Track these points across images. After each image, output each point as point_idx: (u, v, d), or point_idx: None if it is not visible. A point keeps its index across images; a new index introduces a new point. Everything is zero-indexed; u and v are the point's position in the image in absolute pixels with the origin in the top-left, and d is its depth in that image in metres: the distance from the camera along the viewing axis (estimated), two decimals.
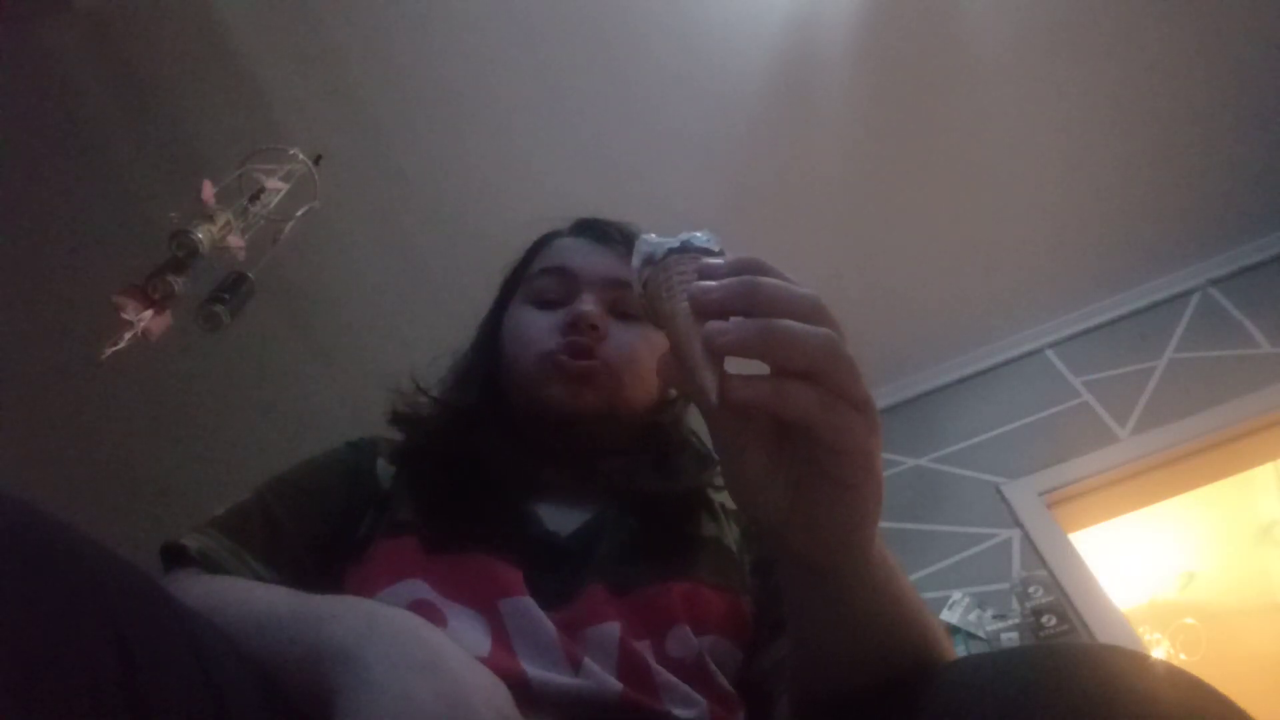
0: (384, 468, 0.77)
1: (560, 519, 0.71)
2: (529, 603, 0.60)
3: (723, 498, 0.80)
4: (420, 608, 0.59)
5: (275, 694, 0.46)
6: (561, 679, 0.56)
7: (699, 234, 0.43)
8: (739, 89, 2.08)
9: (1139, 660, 0.39)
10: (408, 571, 0.63)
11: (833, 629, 0.48)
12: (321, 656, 0.45)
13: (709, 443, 0.85)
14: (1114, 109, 2.27)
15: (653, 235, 0.44)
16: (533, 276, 0.85)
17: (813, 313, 0.38)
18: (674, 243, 0.42)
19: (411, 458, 0.77)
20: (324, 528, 0.70)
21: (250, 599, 0.53)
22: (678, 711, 0.58)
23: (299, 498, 0.72)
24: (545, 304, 0.82)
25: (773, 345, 0.37)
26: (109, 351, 1.29)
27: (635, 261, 0.43)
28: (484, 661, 0.54)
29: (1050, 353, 2.69)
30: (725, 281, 0.39)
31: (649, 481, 0.75)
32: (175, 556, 0.63)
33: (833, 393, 0.37)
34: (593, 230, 0.88)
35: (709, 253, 0.44)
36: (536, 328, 0.79)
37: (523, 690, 0.54)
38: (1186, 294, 2.63)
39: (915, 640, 0.49)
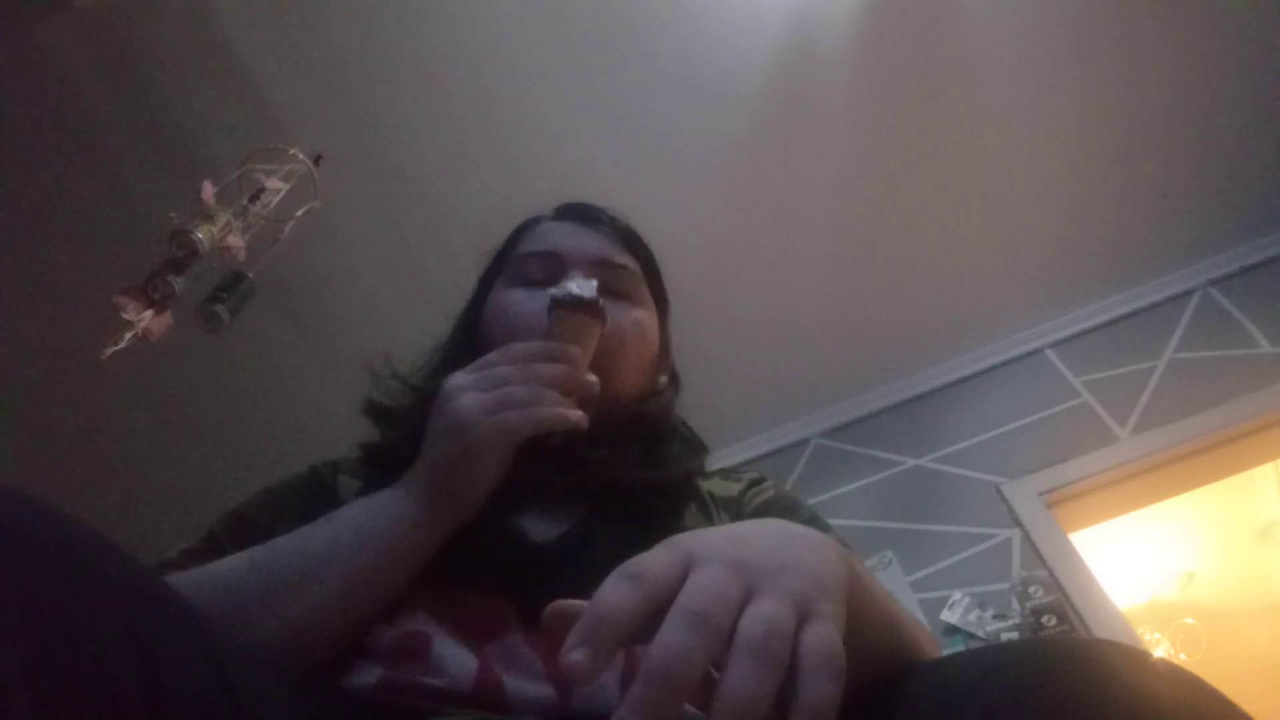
0: (346, 484, 0.74)
1: (544, 526, 0.67)
2: (517, 641, 0.57)
3: (711, 485, 0.78)
4: (412, 637, 0.58)
5: (287, 685, 0.46)
6: (545, 693, 0.54)
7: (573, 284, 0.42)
8: (740, 89, 2.08)
9: (1132, 654, 0.38)
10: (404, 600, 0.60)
11: None
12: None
13: (698, 431, 0.84)
14: (1114, 109, 2.27)
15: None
16: (517, 260, 0.82)
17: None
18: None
19: (383, 461, 0.72)
20: None
21: (210, 568, 0.57)
22: None
23: (250, 532, 0.67)
24: (531, 284, 0.78)
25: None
26: (109, 351, 1.29)
27: None
28: (470, 681, 0.54)
29: (1050, 353, 2.68)
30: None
31: (636, 473, 0.72)
32: None
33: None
34: (578, 212, 0.85)
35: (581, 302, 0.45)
36: (525, 307, 0.76)
37: (504, 708, 0.53)
38: (1186, 294, 2.63)
39: (898, 658, 0.48)
